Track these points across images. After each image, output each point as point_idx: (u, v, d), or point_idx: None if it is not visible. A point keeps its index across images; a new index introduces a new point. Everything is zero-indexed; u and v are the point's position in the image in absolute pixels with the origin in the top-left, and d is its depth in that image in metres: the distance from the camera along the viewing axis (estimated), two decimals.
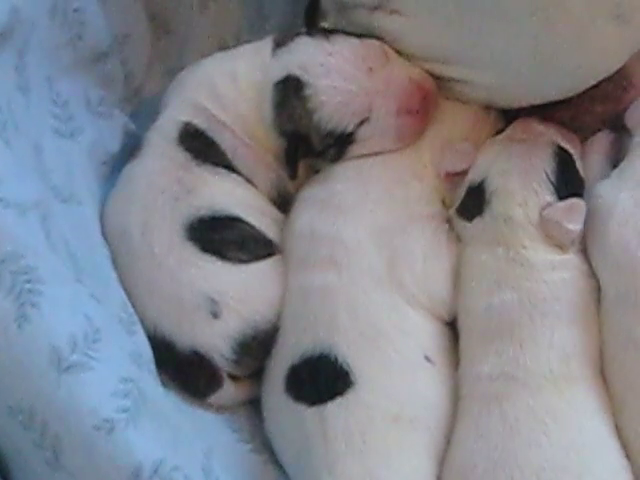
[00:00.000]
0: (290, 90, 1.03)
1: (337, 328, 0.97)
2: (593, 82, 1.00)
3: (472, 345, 0.98)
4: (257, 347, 1.00)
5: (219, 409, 1.02)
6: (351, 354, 0.96)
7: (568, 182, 1.00)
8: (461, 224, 1.02)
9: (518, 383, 0.93)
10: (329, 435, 0.94)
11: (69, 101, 1.02)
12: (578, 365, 0.94)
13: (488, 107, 1.07)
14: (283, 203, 1.07)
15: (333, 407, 0.94)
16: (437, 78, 1.05)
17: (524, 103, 1.05)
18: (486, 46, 0.99)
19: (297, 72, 1.02)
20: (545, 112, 1.05)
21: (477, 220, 1.00)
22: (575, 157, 1.04)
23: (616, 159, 1.03)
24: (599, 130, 1.07)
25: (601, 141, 1.07)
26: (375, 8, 1.04)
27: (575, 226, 0.97)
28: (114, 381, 0.84)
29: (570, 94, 1.02)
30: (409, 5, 1.02)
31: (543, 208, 0.98)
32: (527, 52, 0.97)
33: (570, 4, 0.94)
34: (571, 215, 0.97)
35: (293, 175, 1.05)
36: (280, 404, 0.99)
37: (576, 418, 0.92)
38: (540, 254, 0.97)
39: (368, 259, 0.99)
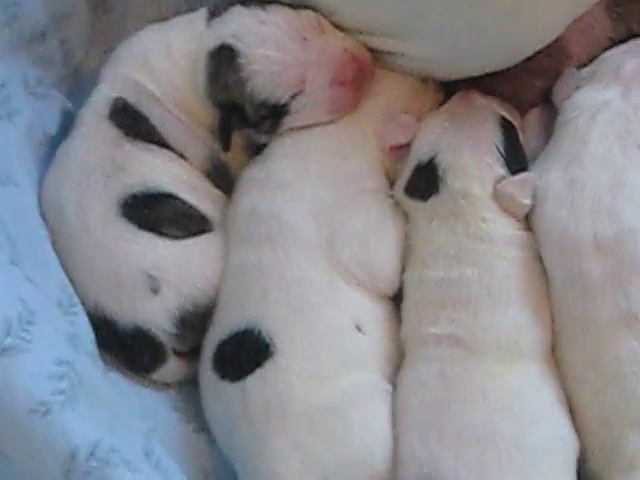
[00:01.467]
0: (224, 59, 1.02)
1: (266, 303, 0.96)
2: (529, 53, 1.00)
3: (420, 310, 0.98)
4: (198, 322, 1.00)
5: (162, 388, 1.02)
6: (276, 327, 0.94)
7: (515, 154, 1.01)
8: (413, 204, 1.01)
9: (463, 347, 0.94)
10: (250, 412, 0.92)
11: (6, 82, 1.02)
12: (528, 341, 0.95)
13: (426, 79, 1.07)
14: (219, 177, 1.07)
15: (252, 380, 0.93)
16: (373, 51, 1.04)
17: (461, 75, 1.04)
18: (421, 18, 0.98)
19: (231, 41, 1.02)
20: (485, 86, 1.04)
21: (433, 199, 0.99)
22: (518, 129, 1.04)
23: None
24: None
25: (533, 118, 1.07)
26: None
27: (528, 200, 0.97)
28: (49, 363, 0.84)
29: (507, 65, 1.02)
30: None
31: (497, 181, 0.98)
32: (462, 23, 0.97)
33: None
34: (524, 189, 0.97)
35: (226, 146, 1.04)
36: (209, 383, 0.97)
37: (518, 387, 0.93)
38: (499, 227, 0.97)
39: (306, 236, 0.98)
